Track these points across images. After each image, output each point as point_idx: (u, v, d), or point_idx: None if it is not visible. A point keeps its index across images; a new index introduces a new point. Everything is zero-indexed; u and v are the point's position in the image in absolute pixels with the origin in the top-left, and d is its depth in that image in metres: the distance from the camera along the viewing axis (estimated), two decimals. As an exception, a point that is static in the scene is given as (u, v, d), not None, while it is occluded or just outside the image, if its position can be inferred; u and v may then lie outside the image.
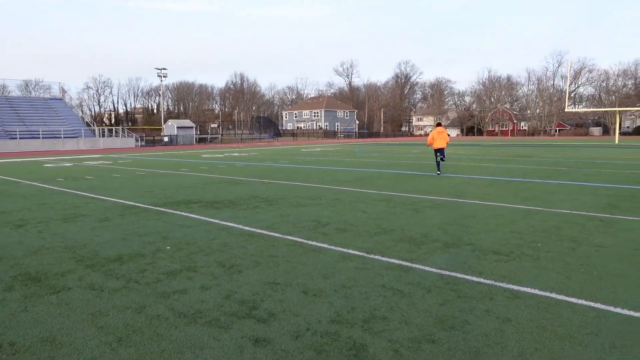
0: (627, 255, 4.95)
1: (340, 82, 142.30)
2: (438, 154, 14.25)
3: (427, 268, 4.54)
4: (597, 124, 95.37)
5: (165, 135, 51.47)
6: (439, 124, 15.21)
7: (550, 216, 7.10)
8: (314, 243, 5.57)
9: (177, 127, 51.91)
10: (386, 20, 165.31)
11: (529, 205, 8.13)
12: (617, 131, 43.92)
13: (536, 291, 3.86)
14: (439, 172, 13.89)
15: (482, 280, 4.16)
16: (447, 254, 5.02)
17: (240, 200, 8.93)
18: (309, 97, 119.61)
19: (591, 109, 79.78)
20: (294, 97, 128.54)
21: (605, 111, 79.06)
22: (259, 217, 7.21)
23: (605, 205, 8.03)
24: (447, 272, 4.39)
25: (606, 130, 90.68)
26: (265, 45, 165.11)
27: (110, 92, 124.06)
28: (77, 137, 41.61)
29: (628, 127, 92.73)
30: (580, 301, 3.63)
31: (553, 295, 3.76)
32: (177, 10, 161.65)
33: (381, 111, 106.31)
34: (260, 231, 6.26)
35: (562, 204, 8.24)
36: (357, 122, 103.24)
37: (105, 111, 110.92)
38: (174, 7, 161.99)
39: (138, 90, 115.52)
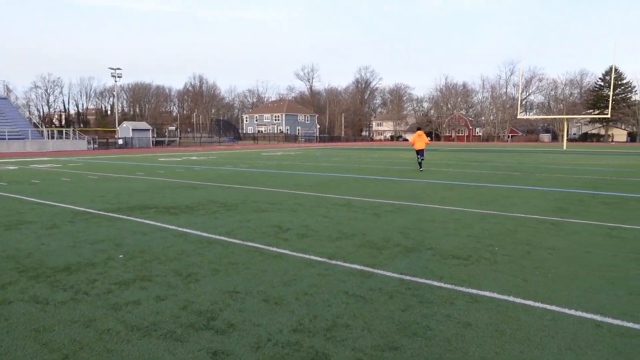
0: (577, 257, 5.13)
1: (301, 86, 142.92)
2: (418, 155, 17.06)
3: (388, 273, 4.53)
4: (547, 131, 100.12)
5: (119, 138, 49.73)
6: (419, 129, 17.96)
7: (505, 220, 7.30)
8: (274, 249, 5.46)
9: (133, 130, 50.30)
10: (347, 25, 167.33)
11: (485, 209, 8.34)
12: (565, 138, 46.18)
13: (495, 295, 3.92)
14: (421, 169, 16.79)
15: (442, 284, 4.19)
16: (408, 259, 5.04)
17: (199, 206, 8.68)
18: (270, 100, 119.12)
19: (541, 117, 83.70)
20: (254, 100, 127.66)
21: (554, 118, 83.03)
22: (217, 223, 7.02)
23: (555, 209, 8.36)
24: (408, 277, 4.39)
25: (555, 137, 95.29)
26: (226, 48, 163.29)
27: (61, 92, 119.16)
28: (23, 138, 39.50)
29: (575, 134, 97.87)
30: (536, 304, 3.71)
31: (511, 298, 3.83)
32: (134, 9, 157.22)
33: (342, 116, 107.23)
34: (219, 237, 6.08)
35: (516, 207, 8.51)
36: (318, 126, 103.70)
37: (55, 112, 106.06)
38: (130, 5, 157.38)
39: (91, 90, 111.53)
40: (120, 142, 48.88)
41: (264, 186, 11.93)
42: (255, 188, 11.52)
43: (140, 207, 8.56)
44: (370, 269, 4.66)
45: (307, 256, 5.16)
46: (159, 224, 6.97)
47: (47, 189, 11.43)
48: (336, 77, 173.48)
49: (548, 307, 3.65)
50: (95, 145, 47.03)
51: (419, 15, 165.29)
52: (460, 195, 10.26)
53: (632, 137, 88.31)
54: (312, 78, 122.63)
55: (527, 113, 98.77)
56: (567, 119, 53.89)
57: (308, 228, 6.67)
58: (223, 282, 4.27)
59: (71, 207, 8.60)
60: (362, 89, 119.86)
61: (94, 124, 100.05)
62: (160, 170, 17.32)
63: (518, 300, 3.80)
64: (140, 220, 7.27)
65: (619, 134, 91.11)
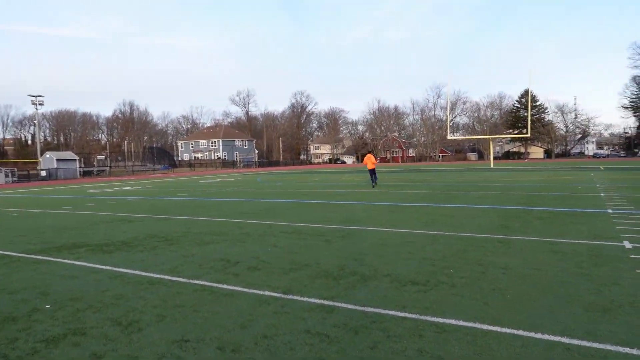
0: (528, 275, 5.20)
1: (238, 112, 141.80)
2: (371, 173, 20.60)
3: (350, 306, 4.30)
4: (473, 150, 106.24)
5: (42, 169, 46.25)
6: (369, 152, 22.79)
7: (454, 240, 7.38)
8: (225, 286, 5.07)
9: (57, 160, 47.05)
10: (281, 51, 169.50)
11: (432, 229, 8.42)
12: (492, 156, 49.00)
13: (461, 322, 3.81)
14: (373, 185, 20.33)
15: (407, 314, 4.03)
16: (367, 288, 4.86)
17: (135, 241, 8.03)
18: (206, 126, 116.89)
19: (469, 137, 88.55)
20: (189, 126, 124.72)
21: (480, 138, 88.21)
22: (158, 260, 6.48)
23: (498, 226, 8.61)
24: (370, 309, 4.19)
25: (481, 155, 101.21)
26: (157, 73, 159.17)
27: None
28: None
29: (498, 152, 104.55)
30: (503, 329, 3.64)
31: (477, 325, 3.74)
32: (54, 35, 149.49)
33: (279, 140, 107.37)
34: (161, 276, 5.58)
35: (461, 227, 8.67)
36: (257, 151, 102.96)
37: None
38: (50, 31, 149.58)
39: (8, 119, 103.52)
40: (44, 173, 45.47)
41: (206, 216, 11.37)
42: (197, 218, 10.94)
43: (69, 246, 7.77)
44: (330, 302, 4.42)
45: (261, 292, 4.82)
46: (91, 264, 6.31)
47: (-44, 230, 10.15)
48: (272, 102, 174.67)
49: (515, 332, 3.59)
50: (15, 179, 43.38)
51: (350, 43, 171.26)
52: (406, 216, 10.35)
53: (547, 154, 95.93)
54: (248, 103, 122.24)
55: (454, 134, 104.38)
56: (491, 138, 57.47)
57: (258, 259, 6.33)
58: (170, 329, 3.84)
59: (-14, 250, 7.63)
60: (299, 113, 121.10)
61: (12, 155, 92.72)
62: (90, 202, 16.11)
63: (485, 326, 3.71)
64: (69, 261, 6.55)
65: (537, 152, 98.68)
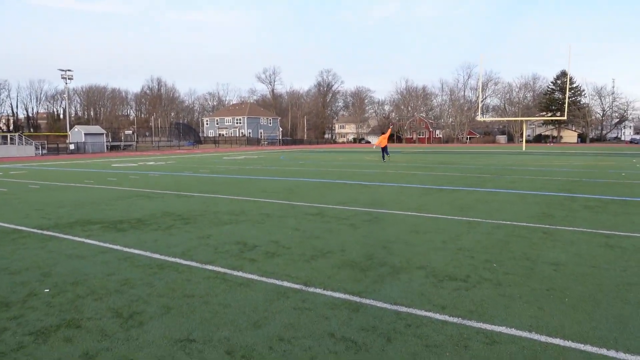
0: (586, 275, 4.53)
1: (263, 89, 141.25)
2: (383, 150, 24.11)
3: (379, 304, 3.75)
4: (503, 132, 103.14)
5: (71, 143, 46.99)
6: (382, 133, 25.06)
7: (493, 229, 6.70)
8: (240, 274, 4.58)
9: (85, 134, 47.67)
10: (308, 29, 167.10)
11: (467, 216, 7.74)
12: (524, 139, 47.22)
13: (513, 331, 3.21)
14: (383, 161, 23.55)
15: (447, 318, 3.45)
16: (399, 282, 4.29)
17: (151, 219, 7.65)
18: (231, 103, 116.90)
19: (500, 119, 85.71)
20: (215, 103, 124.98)
21: (511, 120, 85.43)
22: (172, 241, 6.05)
23: (540, 215, 7.86)
24: (404, 309, 3.63)
25: (510, 138, 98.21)
26: (185, 50, 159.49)
27: (8, 96, 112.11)
28: (-38, 144, 36.48)
29: (529, 136, 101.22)
30: (567, 343, 3.02)
31: (534, 336, 3.13)
32: (86, 10, 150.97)
33: (304, 118, 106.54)
34: (173, 260, 5.13)
35: (498, 214, 7.96)
36: (281, 129, 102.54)
37: (2, 116, 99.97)
38: (82, 7, 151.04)
39: (41, 94, 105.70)
40: (72, 147, 46.19)
41: (226, 194, 10.95)
42: (217, 196, 10.53)
43: (83, 222, 7.44)
44: (357, 299, 3.87)
45: (279, 282, 4.31)
46: (101, 243, 5.93)
47: (-25, 201, 10.02)
48: (298, 80, 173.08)
49: (582, 347, 2.97)
50: (45, 151, 44.20)
51: (378, 20, 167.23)
52: (438, 200, 9.67)
53: (582, 138, 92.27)
54: (274, 81, 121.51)
55: (483, 116, 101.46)
56: (524, 120, 55.31)
57: (278, 244, 5.82)
58: (175, 325, 3.37)
59: (-1, 224, 7.37)
60: (324, 92, 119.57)
61: (45, 129, 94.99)
62: (112, 177, 15.95)
63: (543, 338, 3.10)
64: (79, 239, 6.19)
65: (570, 136, 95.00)
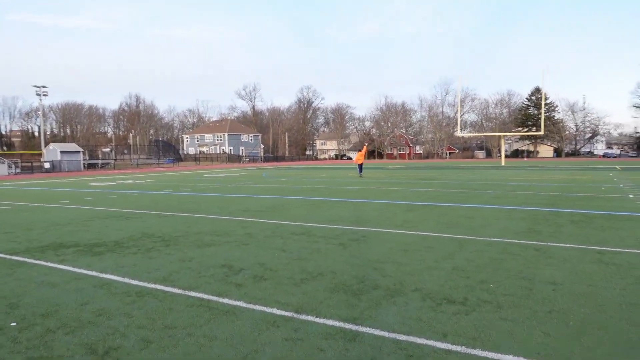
0: (585, 294, 4.40)
1: (244, 106, 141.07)
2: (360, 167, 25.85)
3: (377, 332, 3.52)
4: (481, 148, 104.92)
5: (46, 161, 45.76)
6: (359, 150, 26.87)
7: (484, 246, 6.57)
8: (225, 301, 4.30)
9: (61, 152, 46.54)
10: (288, 46, 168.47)
11: (456, 233, 7.61)
12: (503, 154, 47.99)
13: (522, 360, 3.01)
14: (360, 175, 25.33)
15: (450, 346, 3.24)
16: (395, 307, 4.07)
17: (129, 241, 7.28)
18: (211, 120, 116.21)
19: (479, 134, 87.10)
20: (195, 120, 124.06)
21: (490, 135, 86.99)
22: (152, 265, 5.72)
23: (527, 231, 7.78)
24: (404, 337, 3.41)
25: (489, 153, 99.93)
26: (164, 67, 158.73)
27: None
28: None
29: (506, 151, 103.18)
30: (580, 372, 2.84)
31: (545, 365, 2.94)
32: (64, 26, 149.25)
33: (285, 135, 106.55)
34: (153, 286, 4.82)
35: (486, 230, 7.85)
36: (262, 146, 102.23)
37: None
38: (56, 22, 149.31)
39: (15, 111, 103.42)
40: (47, 165, 44.97)
41: (207, 213, 10.61)
42: (198, 216, 10.19)
43: (56, 245, 7.03)
44: (353, 326, 3.64)
45: (268, 309, 4.05)
46: (75, 269, 5.56)
47: (-60, 224, 9.45)
48: (278, 97, 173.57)
49: (596, 376, 2.79)
50: (18, 170, 42.89)
51: (357, 38, 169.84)
52: (423, 217, 9.53)
53: (557, 152, 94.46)
54: (255, 97, 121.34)
55: (462, 131, 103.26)
56: (503, 136, 56.33)
57: (264, 267, 5.55)
58: (156, 362, 3.07)
59: (-36, 249, 6.90)
60: (305, 108, 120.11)
61: (19, 147, 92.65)
62: (89, 197, 15.41)
63: (554, 367, 2.91)
64: (51, 265, 5.81)
65: (546, 150, 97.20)
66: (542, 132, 53.15)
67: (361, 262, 5.70)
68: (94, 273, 5.37)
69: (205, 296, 4.44)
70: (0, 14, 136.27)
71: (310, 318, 3.84)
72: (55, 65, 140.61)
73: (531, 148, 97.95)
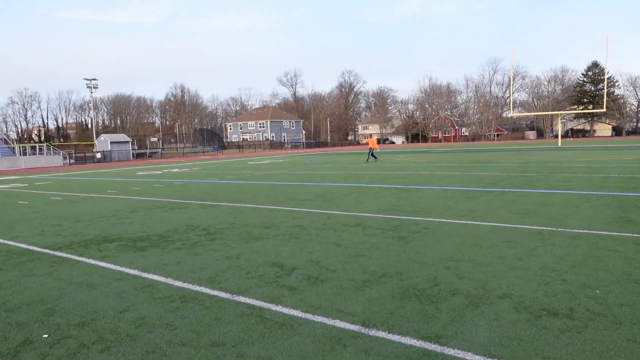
0: None
1: (285, 93, 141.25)
2: (371, 152, 25.47)
3: (469, 356, 2.82)
4: (531, 128, 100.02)
5: (97, 152, 47.38)
6: (370, 135, 28.67)
7: (571, 240, 5.66)
8: (279, 309, 3.72)
9: (111, 142, 48.01)
10: (328, 30, 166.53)
11: (532, 224, 6.70)
12: (560, 134, 45.28)
13: (683, 408, 2.23)
14: (367, 161, 24.97)
15: (573, 382, 2.49)
16: (484, 320, 3.34)
17: (174, 234, 6.88)
18: (254, 108, 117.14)
19: (535, 113, 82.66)
20: (238, 108, 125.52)
21: (544, 115, 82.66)
22: (197, 263, 5.24)
23: (618, 220, 6.76)
24: (506, 365, 2.69)
25: (540, 134, 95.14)
26: (207, 56, 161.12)
27: (39, 107, 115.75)
28: (-8, 156, 37.01)
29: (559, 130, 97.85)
30: None
31: None
32: (111, 22, 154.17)
33: (327, 120, 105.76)
34: (198, 289, 4.31)
35: (568, 220, 6.89)
36: (304, 132, 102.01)
37: (33, 127, 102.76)
38: (107, 18, 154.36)
39: (70, 104, 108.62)
40: (99, 156, 46.54)
41: (254, 202, 10.15)
42: (244, 205, 9.74)
43: (100, 239, 6.73)
44: (437, 347, 2.95)
45: (330, 321, 3.43)
46: (117, 267, 5.17)
47: (-7, 217, 9.49)
48: (319, 82, 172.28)
49: None
50: (72, 161, 44.64)
51: (399, 18, 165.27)
52: (489, 204, 8.62)
53: (617, 131, 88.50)
54: (296, 84, 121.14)
55: (512, 111, 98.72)
56: (559, 115, 53.07)
57: (320, 265, 4.94)
58: (202, 394, 2.51)
59: (10, 243, 6.73)
60: (346, 93, 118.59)
61: (74, 138, 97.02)
62: (136, 186, 15.40)
63: None
64: (93, 262, 5.45)
65: (604, 129, 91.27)
66: (604, 109, 49.45)
67: (430, 260, 4.98)
68: (136, 272, 4.94)
69: (257, 303, 3.88)
70: (51, 12, 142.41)
71: (381, 334, 3.18)
72: (105, 60, 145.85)
73: (587, 127, 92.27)
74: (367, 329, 3.27)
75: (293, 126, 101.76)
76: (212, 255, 5.57)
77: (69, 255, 5.81)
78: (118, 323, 3.55)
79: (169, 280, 4.60)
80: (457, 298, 3.81)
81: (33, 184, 18.72)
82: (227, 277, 4.63)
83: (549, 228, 6.36)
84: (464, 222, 7.06)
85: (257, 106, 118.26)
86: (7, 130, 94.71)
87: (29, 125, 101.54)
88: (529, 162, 20.27)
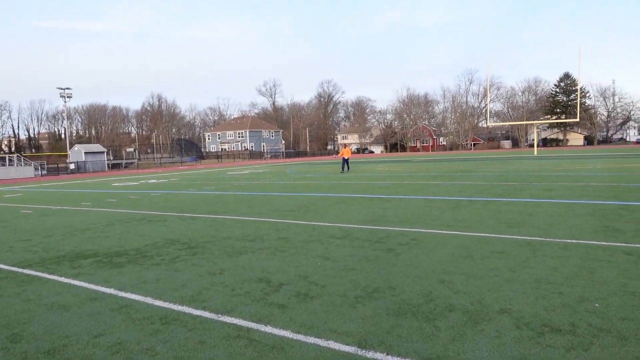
0: None
1: (264, 102, 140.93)
2: (344, 162, 24.77)
3: (475, 379, 2.64)
4: (506, 138, 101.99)
5: (71, 162, 46.10)
6: (345, 145, 28.36)
7: (561, 250, 5.59)
8: (269, 330, 3.48)
9: (85, 153, 46.81)
10: (307, 40, 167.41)
11: (520, 233, 6.64)
12: (536, 143, 46.26)
13: None
14: (342, 172, 24.08)
15: (588, 406, 2.34)
16: (486, 338, 3.18)
17: (152, 249, 6.56)
18: (232, 117, 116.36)
19: (512, 123, 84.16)
20: (216, 118, 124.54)
21: (519, 124, 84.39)
22: (178, 279, 4.96)
23: (604, 229, 6.75)
24: (515, 389, 2.52)
25: (515, 143, 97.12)
26: (184, 66, 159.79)
27: (9, 117, 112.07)
28: (-41, 168, 35.58)
29: (533, 140, 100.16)
30: None
31: None
32: (84, 30, 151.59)
33: (306, 130, 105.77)
34: (180, 308, 4.04)
35: (555, 230, 6.85)
36: (284, 141, 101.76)
37: (3, 137, 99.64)
38: (80, 26, 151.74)
39: (42, 113, 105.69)
40: (72, 166, 45.28)
41: (235, 214, 9.87)
42: (225, 217, 9.45)
43: (73, 255, 6.36)
44: (440, 370, 2.77)
45: (323, 343, 3.21)
46: (92, 286, 4.84)
47: (-43, 232, 8.95)
48: (299, 92, 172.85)
49: None
50: (44, 172, 43.26)
51: (377, 30, 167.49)
52: (475, 214, 8.56)
53: (588, 140, 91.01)
54: (275, 93, 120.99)
55: (487, 121, 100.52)
56: (536, 124, 54.26)
57: (308, 280, 4.73)
58: None
59: (-25, 261, 6.30)
60: (325, 102, 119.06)
61: (47, 149, 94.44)
62: (112, 198, 14.90)
63: None
64: (65, 280, 5.11)
65: (576, 138, 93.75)
66: (577, 119, 50.79)
67: (422, 273, 4.82)
68: (112, 291, 4.63)
69: (244, 323, 3.64)
70: (27, 20, 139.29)
71: (379, 356, 2.98)
72: (80, 69, 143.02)
73: (560, 136, 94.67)
74: (364, 351, 3.07)
75: (272, 136, 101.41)
76: (194, 271, 5.29)
77: (40, 273, 5.45)
78: (93, 349, 3.26)
79: (148, 300, 4.31)
80: (455, 314, 3.65)
81: (2, 196, 17.96)
82: (211, 295, 4.37)
83: (537, 238, 6.30)
84: (452, 232, 6.95)
85: (235, 116, 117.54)
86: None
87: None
88: (508, 171, 20.49)
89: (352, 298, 4.13)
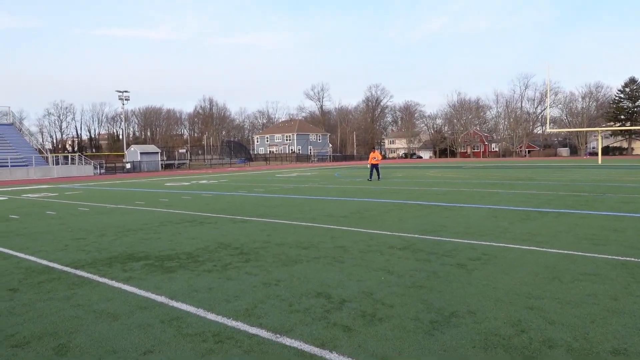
0: None
1: (312, 106, 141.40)
2: (373, 168, 21.97)
3: None
4: (564, 145, 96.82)
5: (127, 162, 47.93)
6: (373, 149, 25.02)
7: (667, 275, 4.79)
8: (334, 357, 3.03)
9: (141, 153, 48.52)
10: (356, 44, 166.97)
11: (609, 252, 5.83)
12: (600, 152, 43.43)
13: None
14: (369, 179, 21.84)
15: None
16: (606, 389, 2.57)
17: (204, 254, 6.29)
18: (280, 121, 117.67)
19: (576, 129, 79.79)
20: (264, 121, 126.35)
21: (578, 131, 79.99)
22: (231, 289, 4.61)
23: None
24: None
25: (574, 151, 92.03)
26: (235, 71, 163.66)
27: (73, 118, 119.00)
28: (27, 165, 37.74)
29: (594, 148, 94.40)
30: None
31: None
32: (144, 37, 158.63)
33: (353, 134, 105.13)
34: (234, 324, 3.67)
35: (651, 249, 5.98)
36: (331, 145, 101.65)
37: (67, 138, 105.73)
38: (140, 34, 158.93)
39: (102, 116, 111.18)
40: (128, 166, 47.06)
41: (286, 218, 9.52)
42: (277, 221, 9.12)
43: (125, 257, 6.20)
44: None
45: (401, 380, 2.71)
46: (142, 292, 4.58)
47: (18, 228, 9.15)
48: (346, 96, 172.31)
49: None
50: (102, 171, 45.20)
51: (427, 34, 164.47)
52: (550, 228, 7.75)
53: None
54: (322, 97, 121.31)
55: (543, 128, 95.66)
56: (600, 131, 50.96)
57: (373, 298, 4.24)
58: None
59: (31, 258, 6.27)
60: (373, 106, 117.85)
61: (106, 149, 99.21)
62: (164, 198, 15.04)
63: None
64: (116, 284, 4.89)
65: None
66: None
67: (504, 297, 4.21)
68: (163, 299, 4.34)
69: (306, 347, 3.20)
70: (87, 31, 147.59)
71: (474, 403, 2.45)
72: (137, 74, 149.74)
73: (625, 145, 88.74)
74: (454, 395, 2.54)
75: (319, 139, 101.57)
76: (248, 280, 4.94)
77: (91, 276, 5.27)
78: (141, 370, 2.93)
79: (200, 312, 3.97)
80: (557, 352, 3.04)
81: (63, 193, 18.65)
82: (267, 310, 3.97)
83: (632, 259, 5.49)
84: (528, 247, 6.24)
85: (283, 119, 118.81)
86: (42, 141, 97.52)
87: (64, 136, 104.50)
88: (573, 180, 19.06)
89: (426, 323, 3.61)
